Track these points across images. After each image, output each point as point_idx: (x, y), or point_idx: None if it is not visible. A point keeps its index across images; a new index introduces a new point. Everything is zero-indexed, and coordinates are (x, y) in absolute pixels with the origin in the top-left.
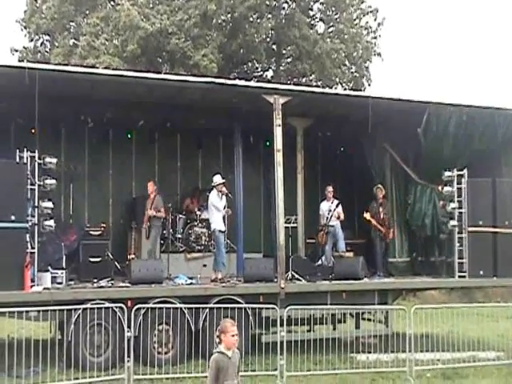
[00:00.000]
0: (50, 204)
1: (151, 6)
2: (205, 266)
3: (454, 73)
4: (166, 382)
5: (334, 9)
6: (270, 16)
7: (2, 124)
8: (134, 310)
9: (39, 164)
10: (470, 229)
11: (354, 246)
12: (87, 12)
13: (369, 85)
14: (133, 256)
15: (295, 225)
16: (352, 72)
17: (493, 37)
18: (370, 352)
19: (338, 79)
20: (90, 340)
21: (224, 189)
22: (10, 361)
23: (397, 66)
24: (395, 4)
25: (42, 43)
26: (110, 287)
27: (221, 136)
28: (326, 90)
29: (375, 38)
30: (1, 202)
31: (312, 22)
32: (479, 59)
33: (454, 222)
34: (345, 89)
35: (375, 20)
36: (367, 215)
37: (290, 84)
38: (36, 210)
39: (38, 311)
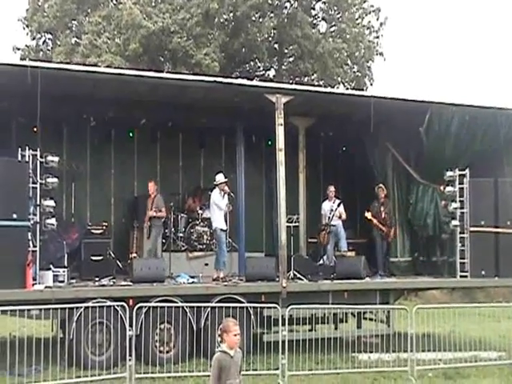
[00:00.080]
0: (51, 202)
1: (153, 4)
2: (206, 264)
3: (456, 72)
4: (168, 381)
5: (336, 8)
6: (272, 15)
7: (3, 122)
8: (135, 308)
9: (41, 162)
10: (472, 229)
11: (355, 246)
12: (89, 10)
13: (371, 84)
14: (134, 255)
15: (297, 224)
16: (354, 71)
17: (496, 36)
18: (371, 352)
19: (340, 79)
20: (92, 338)
21: (226, 188)
22: (11, 359)
23: (399, 65)
24: (397, 3)
25: (44, 42)
26: (111, 286)
27: (223, 135)
28: (328, 89)
29: (377, 37)
30: (3, 200)
31: (314, 22)
32: (482, 59)
33: (455, 222)
34: (347, 88)
35: (377, 19)
36: (368, 214)
37: (292, 83)
38: (38, 208)
39: (40, 309)
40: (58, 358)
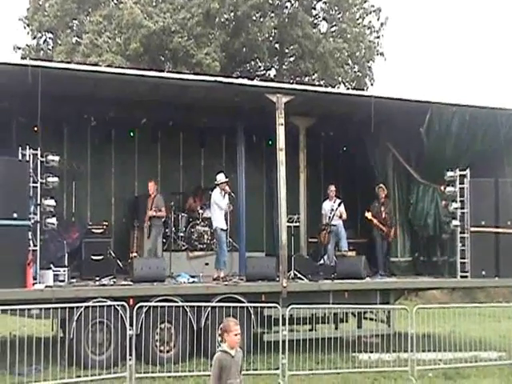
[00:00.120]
0: (52, 202)
1: (154, 4)
2: (207, 264)
3: (456, 72)
4: (168, 381)
5: (336, 8)
6: (272, 15)
7: (4, 122)
8: (135, 308)
9: (42, 162)
10: (473, 229)
11: (356, 246)
12: (90, 10)
13: (371, 84)
14: (135, 254)
15: (297, 224)
16: (355, 71)
17: (496, 37)
18: (371, 351)
19: (340, 78)
20: (92, 338)
21: (227, 188)
22: (11, 358)
23: (399, 65)
24: (398, 4)
25: (44, 41)
26: (112, 285)
27: (223, 135)
28: (329, 89)
29: (378, 37)
30: (3, 199)
31: (315, 22)
32: (482, 59)
33: (456, 222)
34: (347, 88)
35: (378, 19)
36: (368, 214)
37: (292, 83)
38: (38, 207)
39: (40, 309)
40: (58, 357)
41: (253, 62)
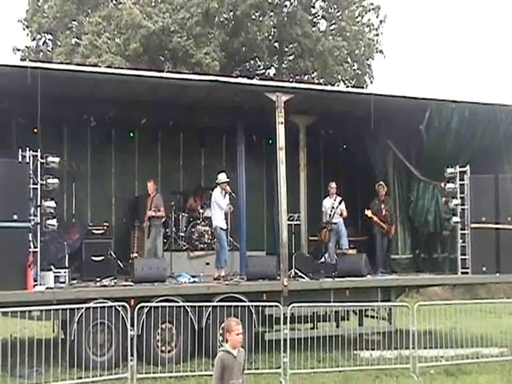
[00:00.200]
0: (52, 203)
1: (153, 4)
2: (208, 264)
3: (456, 69)
4: (170, 381)
5: (335, 6)
6: (271, 14)
7: (4, 123)
8: (136, 308)
9: (42, 163)
10: (473, 225)
11: (356, 243)
12: (89, 11)
13: (371, 82)
14: (135, 255)
15: (298, 222)
16: (354, 69)
17: (495, 33)
18: (373, 349)
19: (340, 76)
20: (93, 339)
21: (228, 188)
22: (12, 360)
23: (399, 63)
24: (397, 1)
25: (44, 42)
26: (112, 286)
27: (223, 134)
28: (329, 87)
29: (377, 35)
30: (3, 201)
31: (314, 20)
32: (481, 55)
33: (456, 219)
34: (347, 86)
35: (377, 17)
36: (368, 212)
37: (292, 82)
38: (38, 209)
39: (41, 311)
40: (59, 359)
41: (252, 61)
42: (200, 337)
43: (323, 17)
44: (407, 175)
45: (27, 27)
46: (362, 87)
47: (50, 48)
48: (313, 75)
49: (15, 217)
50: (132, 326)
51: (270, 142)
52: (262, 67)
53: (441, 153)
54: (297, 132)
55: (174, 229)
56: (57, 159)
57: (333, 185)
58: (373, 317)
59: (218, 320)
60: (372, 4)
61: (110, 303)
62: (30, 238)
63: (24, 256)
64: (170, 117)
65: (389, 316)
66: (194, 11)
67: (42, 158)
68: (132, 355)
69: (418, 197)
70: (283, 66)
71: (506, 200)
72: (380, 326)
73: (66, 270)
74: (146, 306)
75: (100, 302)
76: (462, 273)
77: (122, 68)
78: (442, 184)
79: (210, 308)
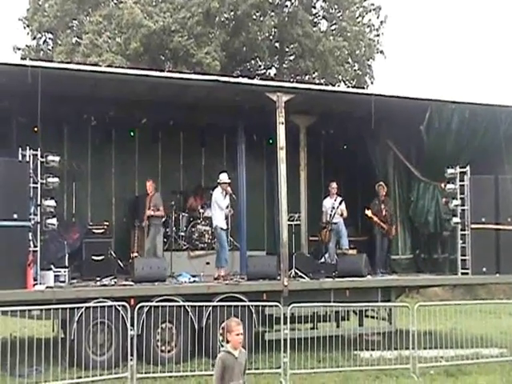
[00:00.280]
0: (52, 202)
1: (154, 3)
2: (208, 263)
3: (456, 69)
4: (170, 381)
5: (336, 6)
6: (272, 14)
7: (4, 122)
8: (137, 308)
9: (42, 162)
10: (473, 226)
11: (357, 244)
12: (90, 10)
13: (371, 82)
14: (136, 254)
15: (298, 222)
16: (355, 70)
17: (496, 34)
18: (373, 349)
19: (340, 77)
20: (93, 339)
21: (229, 188)
22: (12, 360)
23: (399, 63)
24: (398, 2)
25: (44, 41)
26: (112, 285)
27: (224, 134)
28: (329, 87)
29: (378, 35)
30: (3, 200)
31: (315, 20)
32: (482, 56)
33: (456, 219)
34: (348, 86)
35: (378, 18)
36: (368, 212)
37: (292, 82)
38: (39, 208)
39: (41, 310)
40: (59, 358)
41: (253, 61)
42: (200, 337)
43: (324, 17)
44: (407, 175)
45: (28, 26)
46: (363, 87)
47: (50, 47)
48: (313, 75)
49: (15, 216)
50: (132, 325)
51: (271, 141)
52: (262, 67)
53: (441, 153)
54: (297, 132)
55: (174, 228)
56: (57, 158)
57: (334, 185)
58: (373, 317)
59: (218, 320)
60: (373, 4)
61: (110, 303)
62: (30, 237)
63: (24, 255)
64: (171, 116)
65: (389, 316)
66: (195, 11)
67: (42, 157)
68: (132, 355)
69: (418, 197)
70: (284, 66)
71: (506, 201)
72: (380, 327)
73: (66, 270)
74: (146, 306)
75: (100, 302)
76: (462, 273)
77: (122, 67)
78: (443, 184)
79: (210, 308)
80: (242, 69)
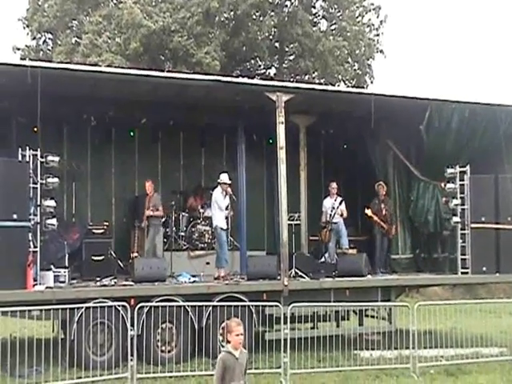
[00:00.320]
0: (52, 202)
1: (154, 3)
2: (208, 263)
3: (456, 69)
4: (170, 381)
5: (336, 6)
6: (272, 14)
7: (4, 122)
8: (137, 308)
9: (41, 162)
10: (473, 225)
11: (357, 243)
12: (90, 10)
13: (371, 82)
14: (136, 254)
15: (298, 222)
16: (355, 69)
17: (496, 33)
18: (373, 349)
19: (340, 76)
20: (93, 339)
21: (229, 189)
22: (12, 360)
23: (399, 63)
24: (398, 1)
25: (44, 41)
26: (112, 286)
27: (224, 134)
28: (329, 87)
29: (378, 35)
30: (3, 200)
31: (315, 20)
32: (481, 55)
33: (456, 219)
34: (347, 86)
35: (378, 17)
36: (368, 211)
37: (292, 81)
38: (38, 208)
39: (41, 310)
40: (59, 358)
41: (253, 61)
42: (200, 337)
43: (324, 17)
44: (407, 175)
45: (27, 26)
46: (363, 87)
47: (50, 47)
48: (313, 75)
49: (15, 216)
50: (132, 325)
51: (271, 141)
52: (262, 67)
53: (441, 153)
54: (297, 132)
55: (174, 228)
56: (57, 158)
57: (334, 185)
58: (373, 317)
59: (218, 320)
60: (372, 4)
61: (110, 303)
62: (30, 238)
63: (24, 255)
64: (171, 116)
65: (389, 316)
66: (195, 11)
67: (41, 157)
68: (132, 355)
69: (418, 197)
70: (284, 65)
71: (505, 200)
72: (380, 326)
73: (66, 270)
74: (146, 306)
75: (100, 302)
76: (462, 273)
77: (122, 67)
78: (442, 184)
79: (210, 308)
80: (242, 69)
